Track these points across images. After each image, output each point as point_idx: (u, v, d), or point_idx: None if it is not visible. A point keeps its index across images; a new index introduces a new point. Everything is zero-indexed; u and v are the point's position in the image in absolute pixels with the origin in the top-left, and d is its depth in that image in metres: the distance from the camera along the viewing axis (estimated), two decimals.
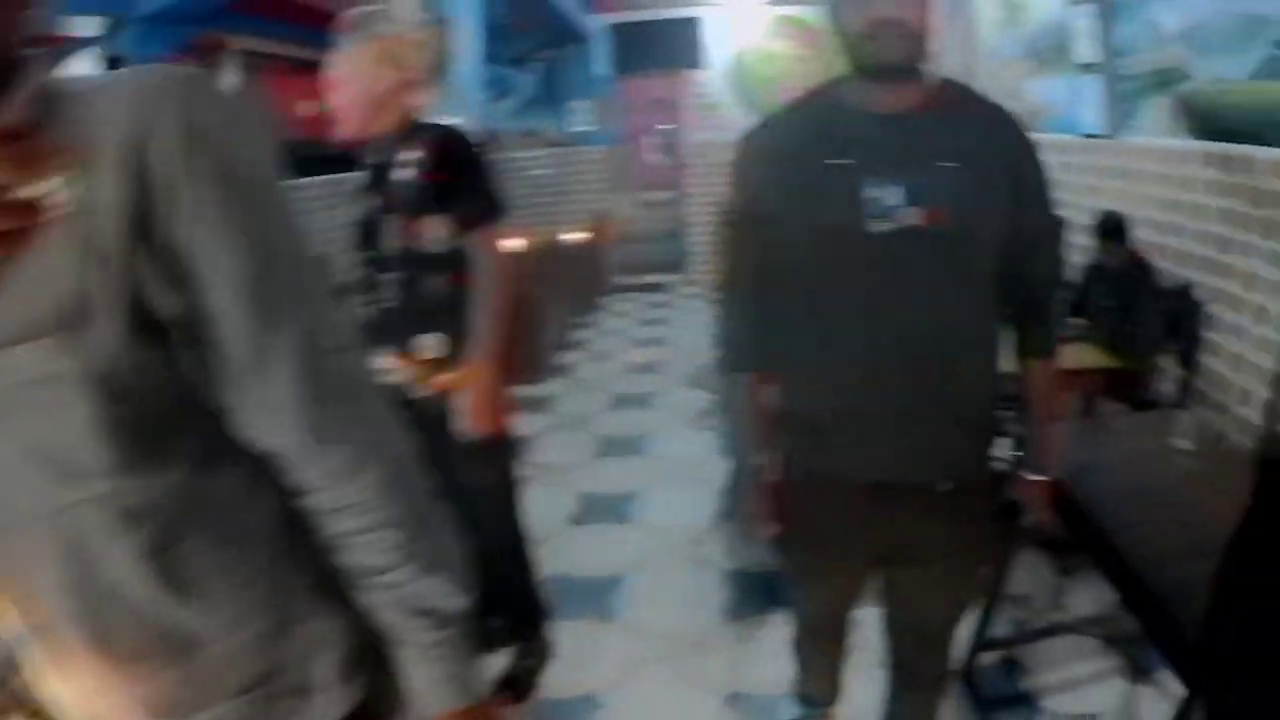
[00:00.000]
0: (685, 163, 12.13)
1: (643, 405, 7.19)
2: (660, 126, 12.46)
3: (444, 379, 3.12)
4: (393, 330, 3.11)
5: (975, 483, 2.23)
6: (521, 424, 6.12)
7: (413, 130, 3.10)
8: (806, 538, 2.35)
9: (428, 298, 3.09)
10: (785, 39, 11.78)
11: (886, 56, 1.93)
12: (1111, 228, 5.01)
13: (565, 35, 11.27)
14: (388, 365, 3.08)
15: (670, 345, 9.12)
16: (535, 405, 7.07)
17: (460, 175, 3.04)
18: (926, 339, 2.04)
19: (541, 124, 11.96)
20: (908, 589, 2.39)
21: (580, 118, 12.04)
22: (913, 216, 1.97)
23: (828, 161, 2.02)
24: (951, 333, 2.08)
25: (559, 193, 11.93)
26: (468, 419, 3.09)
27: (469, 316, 3.06)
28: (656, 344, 9.22)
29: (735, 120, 11.00)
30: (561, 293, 9.08)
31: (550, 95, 11.94)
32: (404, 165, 3.03)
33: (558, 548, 4.76)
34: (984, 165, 2.00)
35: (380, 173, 3.11)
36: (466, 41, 5.28)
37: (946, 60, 8.71)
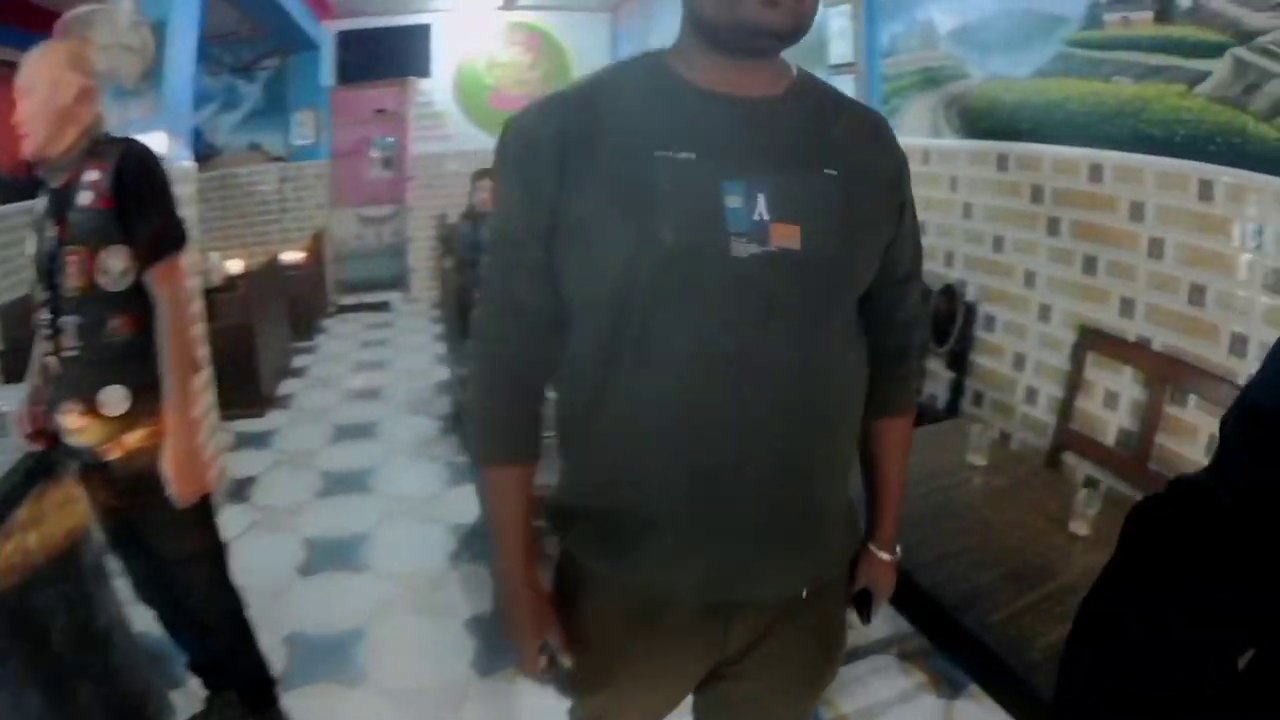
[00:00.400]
0: (408, 175, 11.92)
1: (368, 435, 6.94)
2: (381, 138, 12.16)
3: (133, 439, 2.81)
4: (75, 383, 2.80)
5: (838, 578, 1.83)
6: (240, 463, 5.86)
7: (96, 146, 2.80)
8: (598, 668, 1.76)
9: (110, 344, 2.78)
10: (515, 45, 11.84)
11: (771, 20, 1.39)
12: None
13: (293, 42, 10.90)
14: (72, 424, 2.81)
15: (392, 368, 8.97)
16: (254, 441, 6.86)
17: (138, 199, 2.73)
18: (800, 404, 1.54)
19: (265, 137, 11.55)
20: (739, 710, 1.86)
21: (303, 130, 11.60)
22: (787, 238, 1.45)
23: (659, 153, 1.45)
24: (830, 396, 1.59)
25: (281, 210, 11.58)
26: (167, 483, 2.75)
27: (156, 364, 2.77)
28: (379, 367, 9.03)
29: (459, 131, 11.48)
30: (280, 316, 8.88)
31: (275, 106, 11.50)
32: (84, 188, 2.72)
33: (287, 603, 4.46)
34: (867, 177, 1.55)
35: (60, 198, 2.78)
36: (180, 46, 4.77)
37: None
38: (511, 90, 11.72)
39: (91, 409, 2.76)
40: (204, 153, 11.03)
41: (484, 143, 11.51)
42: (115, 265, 2.71)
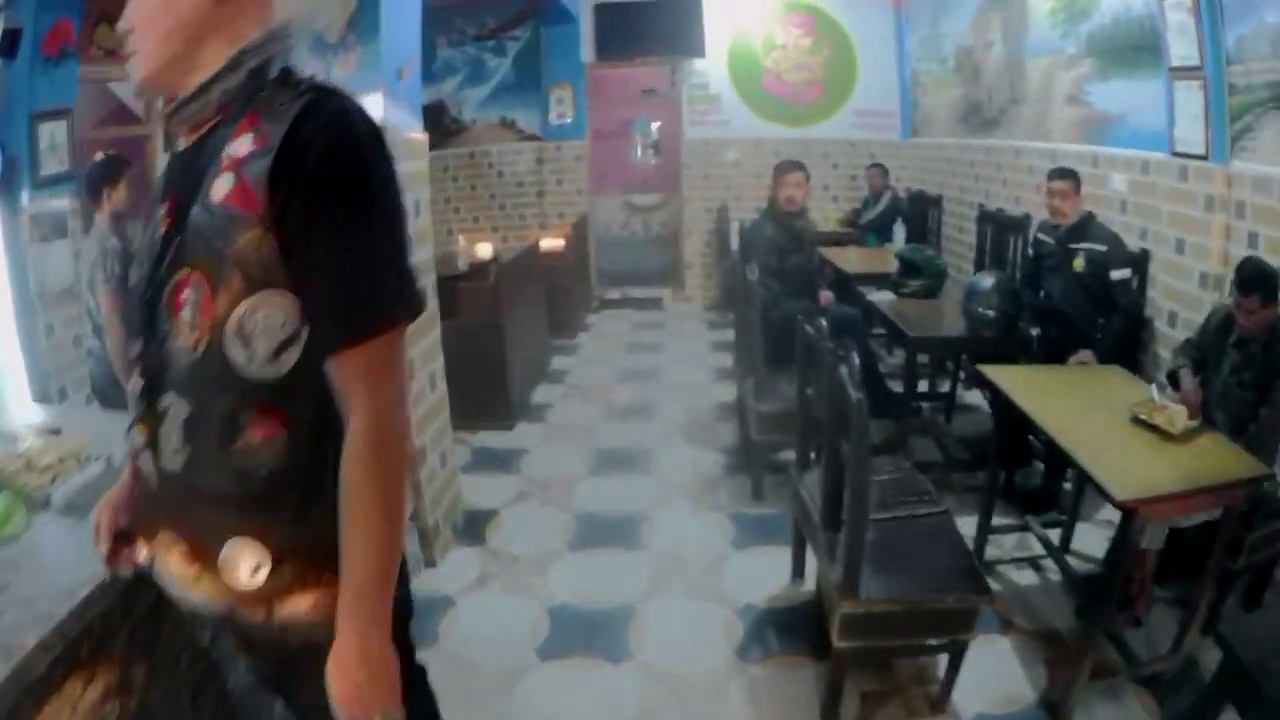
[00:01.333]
0: (682, 162, 11.06)
1: (634, 467, 6.08)
2: (645, 120, 11.44)
3: (274, 611, 1.60)
4: (179, 513, 1.65)
5: None
6: (478, 490, 5.40)
7: (258, 83, 1.54)
8: None
9: (244, 462, 1.54)
10: (793, 27, 10.78)
11: None
12: (1257, 279, 3.81)
13: (546, 13, 10.25)
14: (173, 568, 1.66)
15: (664, 380, 8.13)
16: (498, 461, 6.13)
17: (325, 210, 1.43)
18: None
19: (518, 114, 10.90)
20: None
21: (560, 107, 10.83)
22: None
23: None
24: None
25: (538, 193, 11.03)
26: (331, 697, 1.53)
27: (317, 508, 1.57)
28: (648, 378, 8.15)
29: (735, 116, 10.80)
30: (536, 310, 8.02)
31: (527, 81, 10.82)
32: (221, 165, 1.47)
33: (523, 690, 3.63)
34: None
35: (183, 169, 1.58)
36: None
37: (989, 55, 7.93)
38: (789, 75, 10.72)
39: (204, 561, 1.60)
40: (449, 126, 10.63)
41: (759, 129, 10.64)
42: (267, 326, 1.48)
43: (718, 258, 10.57)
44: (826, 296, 6.36)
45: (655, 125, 11.44)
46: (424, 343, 4.54)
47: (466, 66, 10.82)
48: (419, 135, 4.61)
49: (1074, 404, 3.90)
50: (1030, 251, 6.03)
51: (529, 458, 6.16)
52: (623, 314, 10.54)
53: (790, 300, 5.79)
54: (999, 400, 4.22)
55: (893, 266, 6.67)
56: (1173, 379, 4.22)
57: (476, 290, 6.60)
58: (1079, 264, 5.33)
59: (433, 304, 4.76)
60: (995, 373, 4.30)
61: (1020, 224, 7.15)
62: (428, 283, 4.25)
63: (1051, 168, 5.69)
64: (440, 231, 10.15)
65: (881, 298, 6.24)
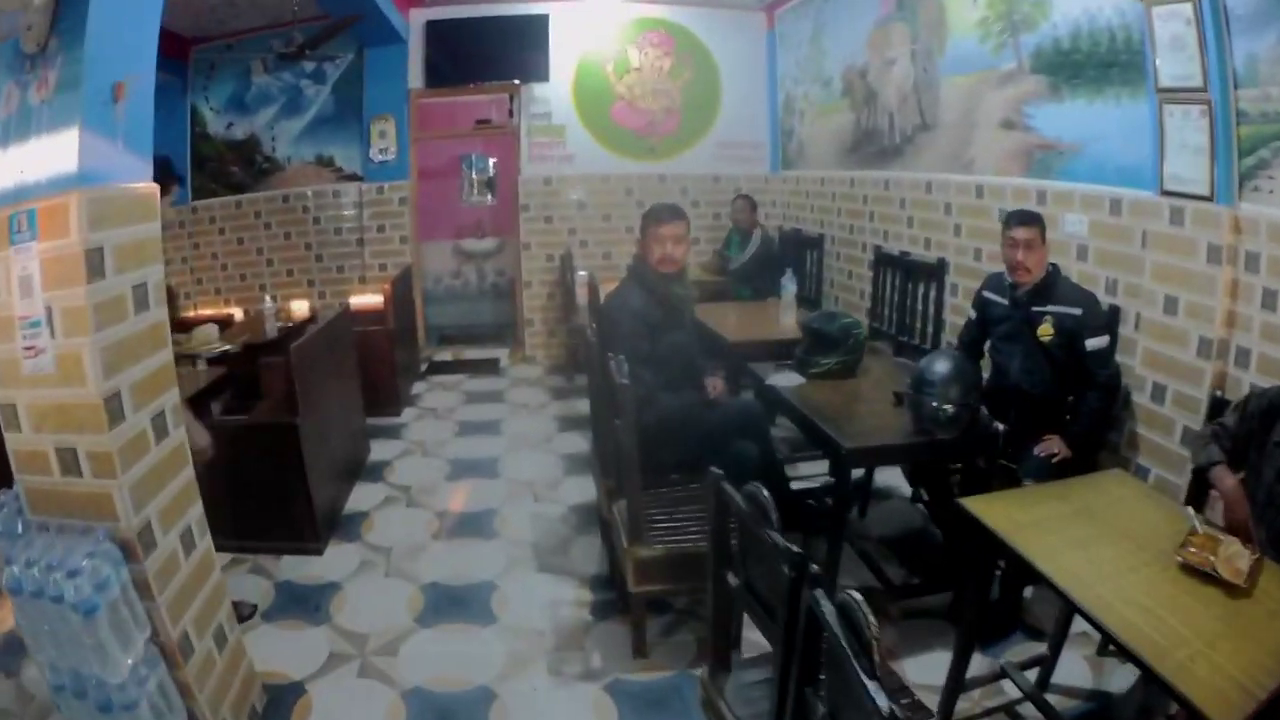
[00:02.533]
0: (521, 204, 9.80)
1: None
2: (480, 155, 10.81)
3: None
4: None
5: None
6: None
7: None
8: None
9: None
10: (649, 46, 9.69)
11: None
12: None
13: (369, 33, 8.87)
14: None
15: (505, 485, 6.78)
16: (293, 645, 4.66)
17: None
18: None
19: (338, 150, 9.66)
20: None
21: (383, 142, 9.53)
22: None
23: None
24: None
25: (358, 240, 9.76)
26: None
27: None
28: (485, 473, 6.85)
29: (582, 150, 9.75)
30: (346, 387, 6.72)
31: (348, 113, 9.54)
32: None
33: None
34: None
35: None
36: None
37: (889, 74, 7.01)
38: (644, 102, 9.67)
39: None
40: (261, 165, 9.43)
41: (608, 164, 9.57)
42: None
43: (562, 313, 9.40)
44: (718, 385, 5.09)
45: (491, 161, 10.60)
46: (174, 484, 3.40)
47: (283, 95, 9.57)
48: (144, 187, 3.23)
49: (1092, 546, 2.97)
50: (973, 314, 5.03)
51: (341, 598, 4.79)
52: (455, 381, 9.17)
53: (668, 394, 4.64)
54: (985, 541, 3.18)
55: (780, 330, 6.15)
56: (1199, 477, 3.48)
57: (273, 375, 5.44)
58: (1046, 332, 4.45)
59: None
60: (986, 510, 3.25)
61: (934, 270, 6.51)
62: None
63: (1009, 210, 4.72)
64: (253, 287, 9.70)
65: (784, 380, 4.98)
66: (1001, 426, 4.18)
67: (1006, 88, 5.66)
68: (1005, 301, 4.66)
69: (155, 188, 3.29)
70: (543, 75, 9.34)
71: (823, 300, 8.46)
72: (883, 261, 7.28)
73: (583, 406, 7.00)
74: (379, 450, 6.99)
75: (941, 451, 4.33)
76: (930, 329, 6.56)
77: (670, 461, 4.47)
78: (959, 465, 4.71)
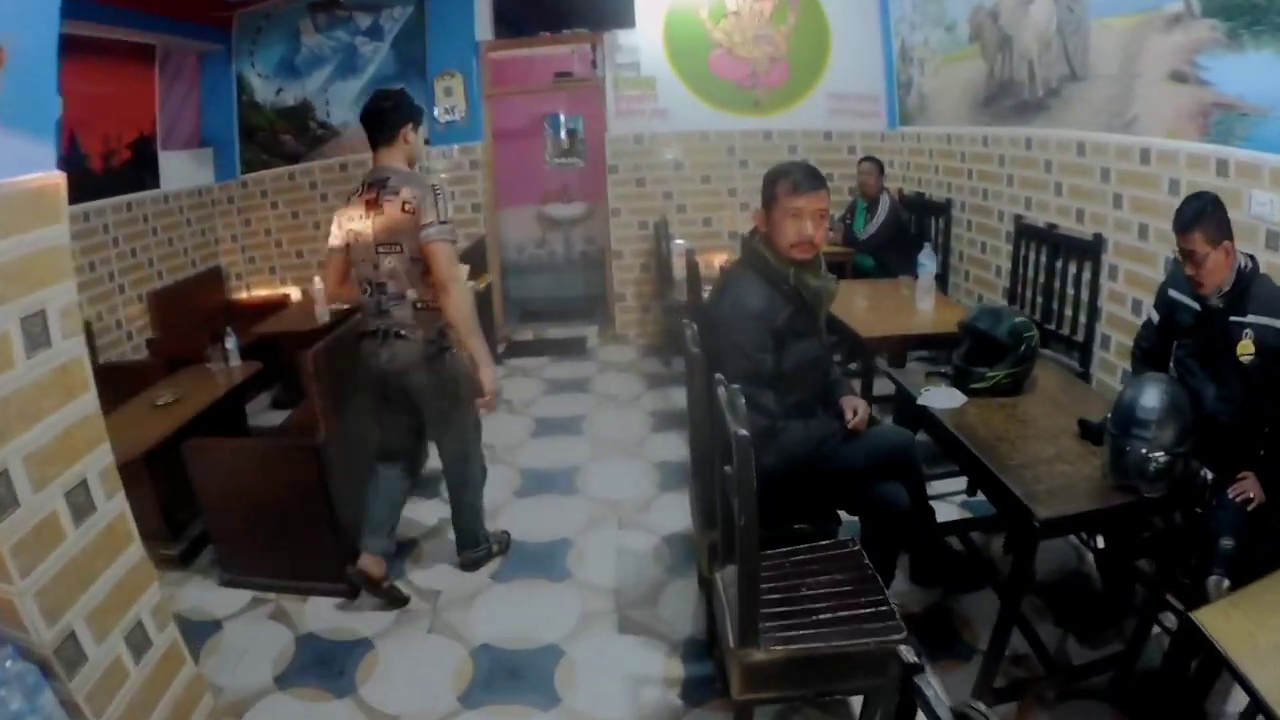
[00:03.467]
0: (609, 165, 8.74)
1: None
2: (560, 115, 9.83)
3: None
4: None
5: None
6: None
7: None
8: None
9: None
10: None
11: None
12: None
13: None
14: None
15: (594, 488, 5.83)
16: None
17: None
18: None
19: None
20: None
21: (450, 101, 8.58)
22: None
23: None
24: None
25: None
26: None
27: None
28: (569, 483, 5.88)
29: (675, 105, 8.65)
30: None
31: (410, 70, 8.61)
32: None
33: None
34: None
35: None
36: None
37: (1027, 16, 6.03)
38: (744, 50, 8.50)
39: None
40: (315, 132, 8.92)
41: (707, 120, 8.47)
42: None
43: (657, 286, 8.33)
44: (858, 410, 3.74)
45: (579, 120, 9.72)
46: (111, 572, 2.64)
47: (336, 56, 8.69)
48: (38, 180, 2.36)
49: None
50: (1154, 316, 4.01)
51: (372, 662, 3.96)
52: (537, 365, 8.23)
53: (796, 422, 3.54)
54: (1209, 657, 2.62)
55: (919, 320, 5.37)
56: None
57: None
58: (1246, 349, 3.43)
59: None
60: (1222, 628, 2.51)
61: (1088, 248, 5.49)
62: None
63: (1181, 211, 3.55)
64: (310, 265, 8.97)
65: (941, 400, 3.95)
66: (1209, 475, 3.18)
67: (1174, 33, 4.65)
68: (1195, 306, 3.67)
69: (59, 179, 2.38)
70: (628, 21, 8.30)
71: (950, 275, 7.45)
72: (1025, 234, 6.28)
73: (682, 398, 5.76)
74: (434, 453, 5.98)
75: (1146, 510, 3.31)
76: (1083, 318, 5.60)
77: (796, 508, 3.55)
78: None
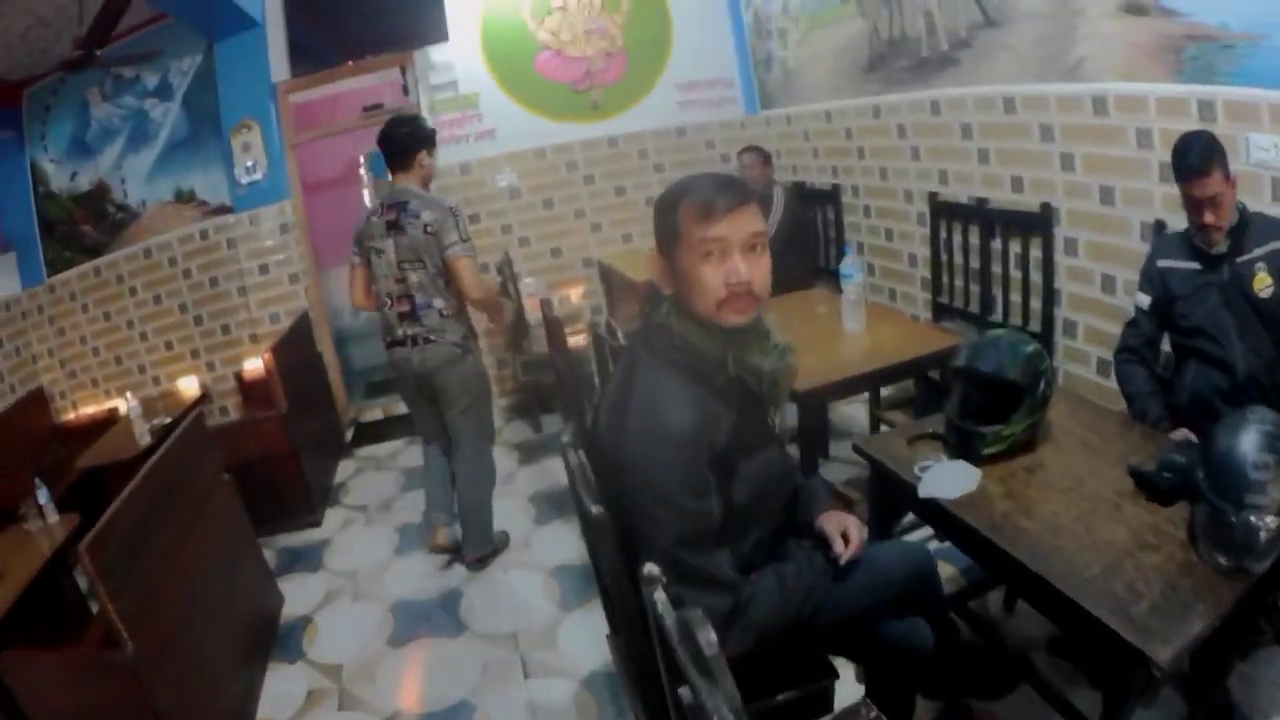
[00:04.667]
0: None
1: None
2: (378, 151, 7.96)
3: None
4: None
5: None
6: None
7: None
8: None
9: None
10: None
11: None
12: None
13: (215, 21, 6.93)
14: None
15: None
16: None
17: None
18: None
19: (198, 178, 7.56)
20: None
21: (248, 157, 7.31)
22: None
23: None
24: None
25: (240, 290, 7.62)
26: None
27: None
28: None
29: (503, 122, 7.65)
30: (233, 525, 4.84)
31: (204, 129, 7.44)
32: None
33: None
34: None
35: None
36: None
37: None
38: (575, 47, 7.48)
39: None
40: (114, 217, 7.79)
41: (542, 132, 7.44)
42: None
43: (511, 336, 7.15)
44: (848, 532, 2.49)
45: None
46: None
47: (127, 125, 7.56)
48: None
49: None
50: (1143, 300, 3.53)
51: None
52: (390, 452, 7.04)
53: (767, 580, 2.41)
54: None
55: (855, 348, 4.35)
56: None
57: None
58: (1264, 283, 3.18)
59: None
60: None
61: (1035, 221, 4.75)
62: None
63: (1175, 154, 3.22)
64: (131, 370, 7.97)
65: (948, 481, 2.88)
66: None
67: None
68: (1195, 265, 3.34)
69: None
70: (440, 35, 7.21)
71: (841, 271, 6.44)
72: (944, 213, 5.49)
73: (560, 472, 4.76)
74: (295, 596, 4.93)
75: (1260, 594, 2.50)
76: (1036, 304, 4.87)
77: (775, 675, 2.53)
78: None
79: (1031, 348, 2.98)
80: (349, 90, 8.11)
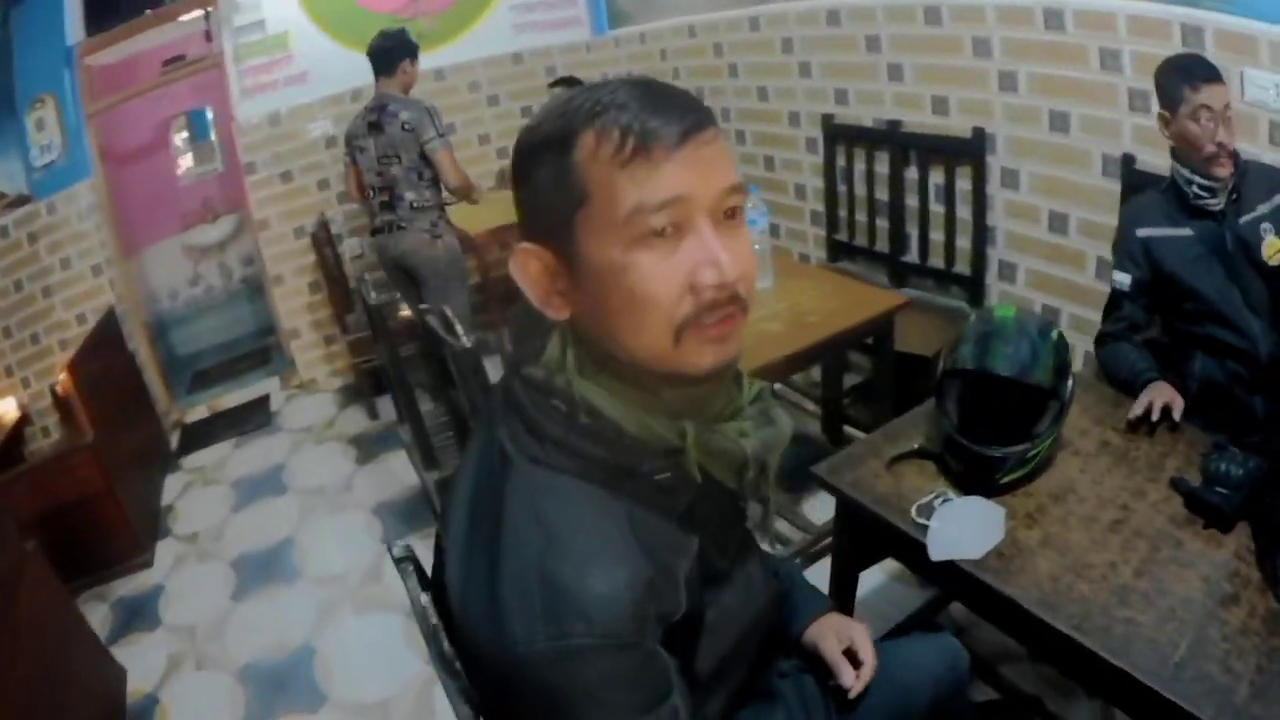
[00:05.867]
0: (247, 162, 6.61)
1: None
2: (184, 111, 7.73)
3: None
4: None
5: None
6: None
7: None
8: None
9: None
10: None
11: None
12: None
13: None
14: None
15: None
16: None
17: None
18: None
19: None
20: None
21: (44, 136, 6.29)
22: None
23: None
24: None
25: (44, 291, 6.46)
26: None
27: None
28: None
29: (320, 65, 6.58)
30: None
31: None
32: None
33: None
34: None
35: None
36: None
37: None
38: None
39: None
40: None
41: (361, 75, 5.85)
42: None
43: (337, 311, 6.34)
44: (858, 649, 1.76)
45: (201, 112, 7.84)
46: None
47: None
48: None
49: None
50: (1122, 280, 2.98)
51: None
52: (219, 459, 6.15)
53: None
54: None
55: (776, 314, 3.49)
56: None
57: None
58: (1276, 248, 2.70)
59: None
60: None
61: (966, 149, 4.23)
62: None
63: (1176, 58, 2.87)
64: None
65: (968, 533, 2.15)
66: None
67: None
68: (1186, 231, 2.80)
69: None
70: None
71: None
72: (840, 138, 4.93)
73: (404, 470, 4.87)
74: (137, 666, 4.07)
75: None
76: (963, 242, 4.41)
77: None
78: None
79: (1055, 334, 2.34)
80: (151, 49, 6.97)
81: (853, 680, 1.67)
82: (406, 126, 4.87)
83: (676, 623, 1.25)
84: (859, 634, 1.74)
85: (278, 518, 5.15)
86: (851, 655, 1.71)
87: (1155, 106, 2.80)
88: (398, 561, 1.57)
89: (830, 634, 1.75)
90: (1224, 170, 2.66)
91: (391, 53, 4.97)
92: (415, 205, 4.99)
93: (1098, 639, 1.79)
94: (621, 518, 1.23)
